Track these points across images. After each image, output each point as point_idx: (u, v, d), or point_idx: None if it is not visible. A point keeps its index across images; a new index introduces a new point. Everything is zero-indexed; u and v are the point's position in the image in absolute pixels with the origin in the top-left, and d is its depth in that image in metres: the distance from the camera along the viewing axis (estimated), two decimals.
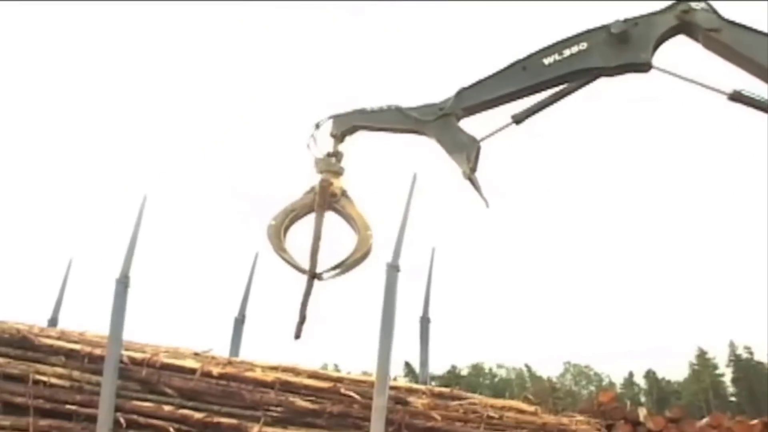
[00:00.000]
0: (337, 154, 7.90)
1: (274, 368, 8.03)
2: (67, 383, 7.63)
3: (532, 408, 8.45)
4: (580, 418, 9.22)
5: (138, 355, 7.78)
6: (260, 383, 7.70)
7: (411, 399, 7.80)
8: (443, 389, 8.72)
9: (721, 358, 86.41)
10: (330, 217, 7.81)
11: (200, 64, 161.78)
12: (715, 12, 7.23)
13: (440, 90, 7.92)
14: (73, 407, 7.51)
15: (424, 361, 10.15)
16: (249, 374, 7.79)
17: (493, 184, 7.80)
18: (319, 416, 7.48)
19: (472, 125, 7.74)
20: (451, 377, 78.84)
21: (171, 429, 7.33)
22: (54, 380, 7.61)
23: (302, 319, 7.56)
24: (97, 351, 7.72)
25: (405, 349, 8.94)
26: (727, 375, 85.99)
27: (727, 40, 7.17)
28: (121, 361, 7.59)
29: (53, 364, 7.73)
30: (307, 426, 7.45)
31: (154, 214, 8.28)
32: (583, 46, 7.48)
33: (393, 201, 7.87)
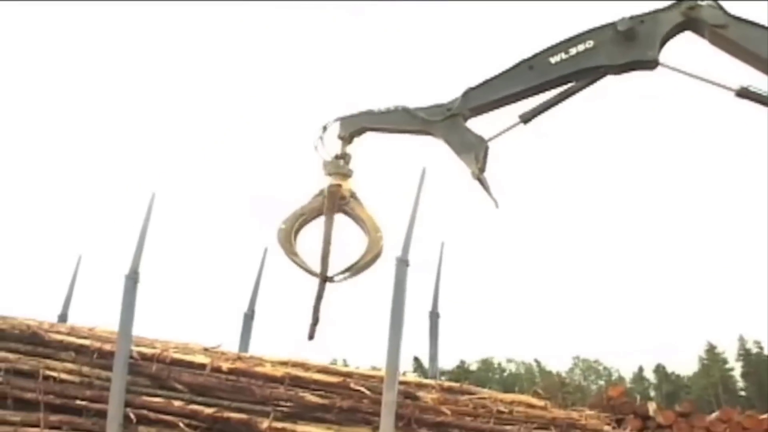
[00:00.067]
0: (345, 156, 7.90)
1: (284, 363, 8.03)
2: (77, 379, 7.64)
3: (541, 402, 8.43)
4: (589, 412, 9.19)
5: (148, 351, 7.79)
6: (270, 378, 7.70)
7: (421, 394, 7.79)
8: (453, 384, 8.71)
9: (730, 353, 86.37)
10: (340, 219, 7.82)
11: (202, 64, 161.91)
12: (721, 8, 7.22)
13: (441, 90, 7.92)
14: (84, 402, 7.52)
15: (433, 356, 10.15)
16: (258, 369, 7.80)
17: (502, 181, 7.79)
18: (329, 411, 7.47)
19: (478, 125, 7.74)
20: (461, 372, 78.86)
21: (181, 424, 7.34)
22: (64, 376, 7.63)
23: (315, 321, 7.62)
24: (107, 346, 7.73)
25: (414, 345, 8.95)
26: (736, 369, 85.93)
27: (734, 36, 7.16)
28: (131, 357, 7.60)
29: (63, 360, 7.74)
30: (317, 421, 7.44)
31: (163, 211, 8.29)
32: (590, 44, 7.47)
33: (402, 196, 7.86)
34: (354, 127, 7.95)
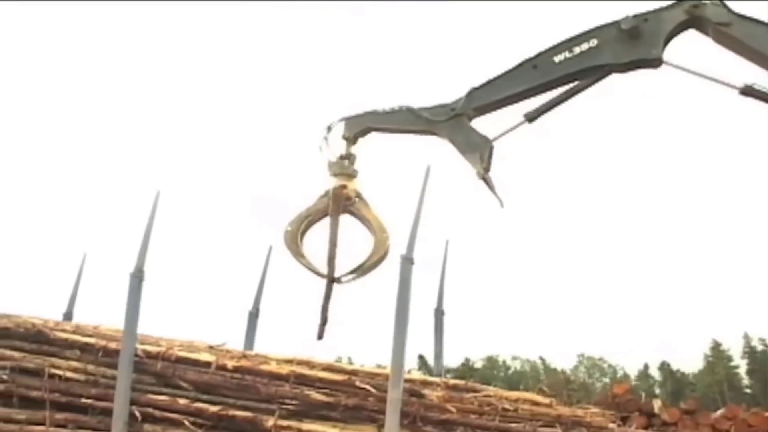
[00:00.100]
0: (349, 157, 7.90)
1: (289, 361, 8.05)
2: (82, 377, 7.65)
3: (546, 400, 8.44)
4: (595, 410, 9.20)
5: (153, 349, 7.80)
6: (275, 376, 7.70)
7: (426, 391, 7.80)
8: (458, 381, 8.72)
9: (735, 350, 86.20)
10: (346, 219, 7.82)
11: (203, 64, 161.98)
12: (724, 6, 7.21)
13: (443, 90, 7.93)
14: (89, 401, 7.52)
15: (438, 354, 10.16)
16: (264, 367, 7.80)
17: (506, 179, 7.78)
18: (334, 409, 7.47)
19: (480, 124, 7.74)
20: (465, 370, 78.84)
21: (186, 422, 7.34)
22: (69, 374, 7.63)
23: (324, 321, 7.64)
24: (112, 345, 7.73)
25: (419, 342, 8.95)
26: (741, 367, 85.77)
27: (738, 34, 7.15)
28: (136, 355, 7.60)
29: (68, 358, 7.75)
30: (322, 419, 7.45)
31: (168, 209, 8.29)
32: (594, 43, 7.46)
33: (407, 194, 7.86)
34: (358, 127, 7.95)
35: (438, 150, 7.88)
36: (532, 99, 7.65)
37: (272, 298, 10.49)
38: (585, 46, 7.47)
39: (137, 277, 7.69)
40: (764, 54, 7.05)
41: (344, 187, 7.77)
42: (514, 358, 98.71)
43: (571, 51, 7.50)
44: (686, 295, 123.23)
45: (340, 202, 7.72)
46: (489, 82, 7.69)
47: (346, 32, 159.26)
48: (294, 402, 7.53)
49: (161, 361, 7.69)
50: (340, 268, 7.73)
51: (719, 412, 15.63)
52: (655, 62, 7.38)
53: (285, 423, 7.32)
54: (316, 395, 7.53)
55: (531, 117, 7.61)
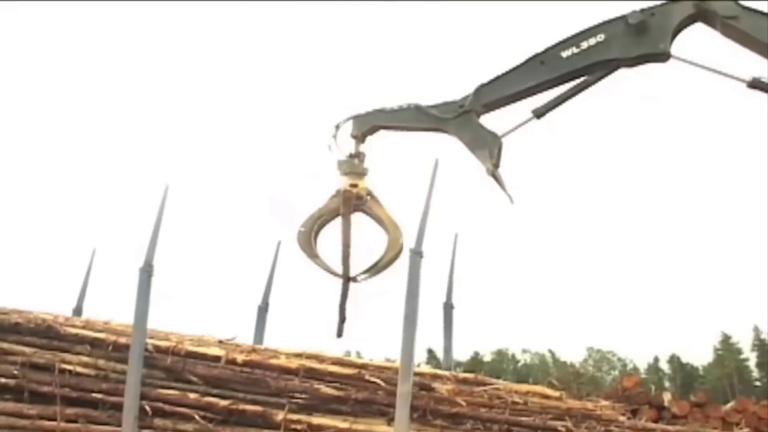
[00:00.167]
0: (359, 155, 7.90)
1: (299, 355, 8.05)
2: (92, 372, 7.67)
3: (556, 393, 8.43)
4: (604, 403, 9.18)
5: (163, 344, 7.81)
6: (285, 370, 7.71)
7: (436, 385, 7.79)
8: (468, 375, 8.71)
9: (745, 343, 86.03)
10: (359, 218, 7.84)
11: (203, 64, 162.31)
12: None
13: (446, 88, 7.94)
14: (99, 396, 7.55)
15: (447, 347, 10.16)
16: (273, 361, 7.81)
17: (514, 173, 7.78)
18: (344, 403, 7.48)
19: (488, 121, 7.74)
20: (475, 363, 78.84)
21: (196, 416, 7.36)
22: (80, 369, 7.66)
23: (342, 319, 7.70)
24: (122, 340, 7.75)
25: (428, 336, 8.94)
26: (751, 360, 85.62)
27: (745, 27, 7.14)
28: (146, 350, 7.61)
29: (79, 353, 7.77)
30: (332, 412, 7.45)
31: (177, 204, 8.29)
32: (601, 37, 7.46)
33: (415, 187, 7.85)
34: (367, 125, 7.96)
35: (446, 143, 7.88)
36: (541, 95, 7.65)
37: (281, 293, 10.50)
38: (592, 41, 7.47)
39: (146, 272, 7.70)
40: None
41: (355, 185, 7.78)
42: (524, 351, 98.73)
43: (578, 46, 7.49)
44: (696, 288, 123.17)
45: (351, 203, 7.74)
46: (497, 78, 7.69)
47: (346, 32, 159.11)
48: (304, 396, 7.54)
49: (171, 356, 7.71)
50: (355, 267, 7.76)
51: (729, 405, 15.58)
52: (663, 56, 7.37)
53: (295, 417, 7.33)
54: (326, 389, 7.54)
55: (539, 113, 7.61)
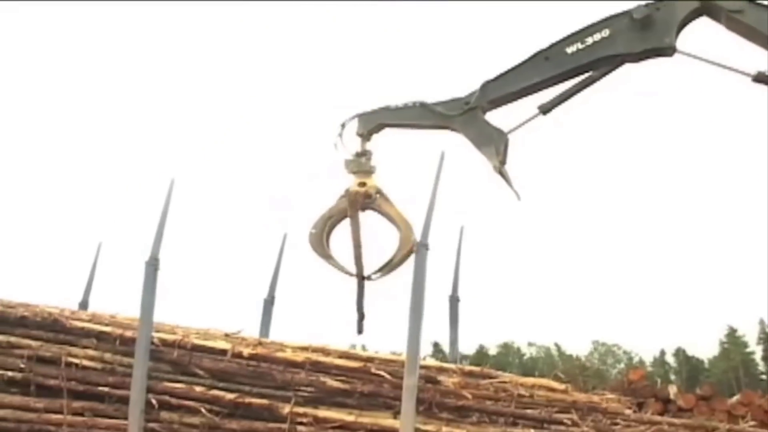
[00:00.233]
0: (366, 153, 7.90)
1: (305, 348, 8.06)
2: (99, 365, 7.68)
3: (562, 386, 8.44)
4: (610, 396, 9.19)
5: (169, 337, 7.82)
6: (291, 363, 7.71)
7: (441, 378, 7.80)
8: (474, 368, 8.74)
9: (751, 336, 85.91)
10: (370, 215, 7.84)
11: (205, 64, 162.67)
12: None
13: (448, 87, 7.93)
14: (106, 389, 7.56)
15: (453, 340, 10.17)
16: (279, 355, 7.82)
17: (521, 167, 7.78)
18: (350, 396, 7.48)
19: (493, 117, 7.74)
20: (480, 356, 78.84)
21: (202, 410, 7.37)
22: (86, 362, 7.66)
23: (361, 316, 7.70)
24: (128, 333, 7.76)
25: (433, 330, 8.95)
26: (757, 353, 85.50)
27: (750, 21, 7.12)
28: (152, 343, 7.62)
29: (85, 347, 7.78)
30: (338, 406, 7.45)
31: (183, 198, 8.30)
32: (606, 33, 7.44)
33: (421, 180, 7.85)
34: (372, 123, 7.96)
35: (452, 136, 7.87)
36: (546, 91, 7.64)
37: (287, 286, 10.51)
38: (597, 37, 7.45)
39: (152, 266, 7.71)
40: None
41: (363, 184, 7.79)
42: (530, 345, 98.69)
43: (583, 42, 7.48)
44: (701, 282, 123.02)
45: (357, 204, 7.74)
46: (502, 74, 7.68)
47: (347, 32, 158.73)
48: (310, 389, 7.55)
49: (177, 349, 7.71)
50: (369, 264, 7.77)
51: (735, 398, 15.61)
52: (669, 51, 7.35)
53: (301, 410, 7.33)
54: (332, 382, 7.54)
55: (545, 109, 7.60)
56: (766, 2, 7.12)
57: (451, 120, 7.72)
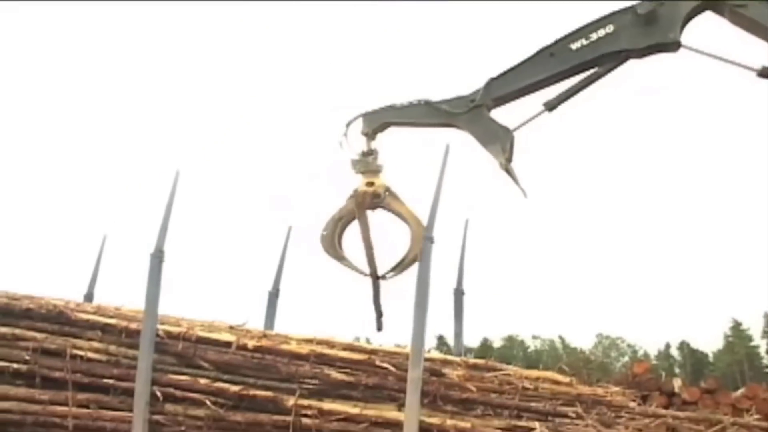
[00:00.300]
0: (372, 152, 7.90)
1: (309, 341, 8.07)
2: (104, 357, 7.69)
3: (566, 379, 8.45)
4: (615, 389, 9.20)
5: (174, 329, 7.83)
6: (295, 356, 7.73)
7: (446, 371, 7.81)
8: (478, 361, 8.75)
9: (755, 330, 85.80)
10: (380, 213, 7.85)
11: (205, 64, 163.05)
12: None
13: (447, 88, 7.91)
14: (111, 381, 7.57)
15: (458, 333, 10.18)
16: (284, 347, 7.83)
17: (526, 163, 7.78)
18: (355, 388, 7.49)
19: (498, 114, 7.73)
20: (484, 349, 78.86)
21: (207, 402, 7.38)
22: (91, 354, 7.68)
23: (380, 314, 7.69)
24: (133, 325, 7.77)
25: (438, 323, 8.96)
26: (762, 346, 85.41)
27: (754, 15, 7.09)
28: (157, 335, 7.63)
29: (90, 339, 7.79)
30: (343, 398, 7.46)
31: (188, 190, 8.31)
32: (610, 29, 7.41)
33: (426, 173, 7.85)
34: (377, 122, 7.94)
35: (457, 133, 7.87)
36: (551, 87, 7.63)
37: (292, 279, 10.53)
38: (601, 32, 7.43)
39: (157, 258, 7.71)
40: None
41: (371, 183, 7.78)
42: (534, 338, 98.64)
43: (587, 38, 7.46)
44: (706, 275, 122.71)
45: (364, 205, 7.73)
46: (507, 71, 7.67)
47: (347, 32, 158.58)
48: (314, 381, 7.56)
49: (182, 341, 7.72)
50: (381, 261, 7.78)
51: (739, 392, 15.57)
52: (673, 46, 7.32)
53: (305, 402, 7.34)
54: (337, 375, 7.55)
55: (551, 105, 7.58)
56: None
57: (456, 118, 7.71)
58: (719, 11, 7.26)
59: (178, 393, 7.46)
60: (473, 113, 7.66)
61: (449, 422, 7.18)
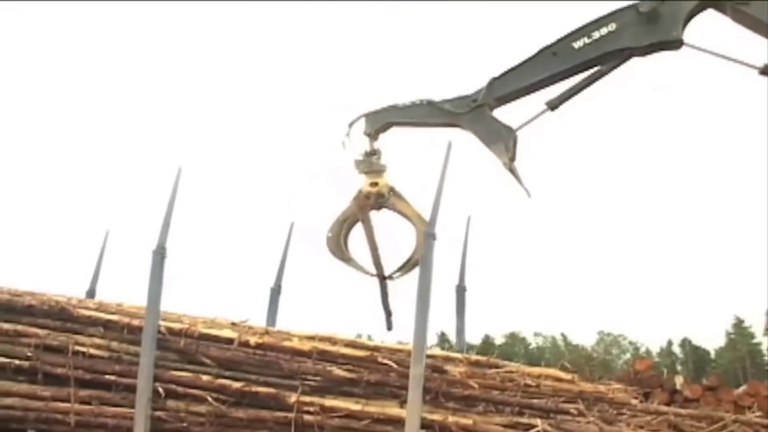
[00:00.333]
0: (375, 153, 7.89)
1: (311, 338, 8.06)
2: (106, 354, 7.69)
3: (569, 376, 8.43)
4: (617, 386, 9.18)
5: (176, 326, 7.82)
6: (297, 352, 7.71)
7: (448, 367, 7.79)
8: (480, 357, 8.73)
9: (757, 327, 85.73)
10: (384, 213, 7.85)
11: (205, 64, 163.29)
12: None
13: (448, 88, 7.91)
14: (113, 377, 7.57)
15: (460, 330, 10.18)
16: (286, 344, 7.81)
17: (529, 162, 7.78)
18: (357, 385, 7.48)
19: (500, 114, 7.73)
20: (486, 346, 78.86)
21: (209, 398, 7.37)
22: (93, 351, 7.68)
23: (388, 313, 7.71)
24: (135, 322, 7.76)
25: (440, 319, 8.95)
26: (764, 344, 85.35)
27: (756, 12, 7.10)
28: (159, 332, 7.62)
29: (92, 335, 7.79)
30: (345, 395, 7.45)
31: (191, 187, 8.30)
32: (612, 27, 7.42)
33: (428, 169, 7.85)
34: (379, 122, 7.96)
35: (459, 132, 7.87)
36: (553, 87, 7.62)
37: (294, 275, 10.52)
38: (604, 31, 7.43)
39: (159, 255, 7.71)
40: None
41: (375, 183, 7.78)
42: (536, 335, 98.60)
43: (590, 36, 7.46)
44: (708, 272, 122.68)
45: (367, 207, 7.73)
46: (509, 71, 7.67)
47: (347, 32, 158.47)
48: (316, 378, 7.55)
49: (184, 338, 7.71)
50: (387, 260, 7.79)
51: (741, 389, 15.59)
52: (676, 44, 7.32)
53: (307, 399, 7.33)
54: (339, 371, 7.54)
55: (553, 104, 7.59)
56: None
57: (459, 118, 7.71)
58: (721, 9, 7.27)
59: (180, 389, 7.46)
60: (476, 113, 7.66)
61: (451, 419, 7.17)
